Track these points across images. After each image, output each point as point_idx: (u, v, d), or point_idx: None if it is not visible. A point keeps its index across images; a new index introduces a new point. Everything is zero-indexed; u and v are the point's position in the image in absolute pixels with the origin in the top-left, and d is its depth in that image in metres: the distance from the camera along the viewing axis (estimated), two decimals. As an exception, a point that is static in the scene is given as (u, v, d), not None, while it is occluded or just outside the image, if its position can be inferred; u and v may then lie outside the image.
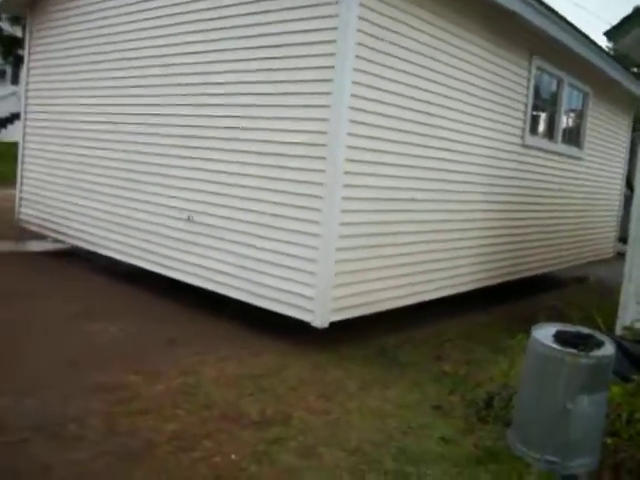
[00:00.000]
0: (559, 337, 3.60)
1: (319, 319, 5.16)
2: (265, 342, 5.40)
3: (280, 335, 5.50)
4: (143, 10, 6.98)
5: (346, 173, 5.16)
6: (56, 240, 8.68)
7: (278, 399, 4.25)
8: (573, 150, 9.42)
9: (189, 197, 6.38)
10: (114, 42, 7.39)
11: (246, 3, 5.76)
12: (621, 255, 5.77)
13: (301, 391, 4.44)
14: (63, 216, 8.26)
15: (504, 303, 7.67)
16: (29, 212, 9.03)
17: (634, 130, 12.26)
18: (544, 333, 3.67)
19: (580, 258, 10.27)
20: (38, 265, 8.09)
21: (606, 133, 10.64)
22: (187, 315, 6.07)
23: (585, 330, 3.78)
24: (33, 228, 8.93)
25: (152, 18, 6.84)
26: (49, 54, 8.66)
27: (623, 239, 6.18)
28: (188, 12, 6.37)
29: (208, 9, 6.14)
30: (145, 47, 6.94)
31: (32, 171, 9.03)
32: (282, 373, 4.74)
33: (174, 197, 6.56)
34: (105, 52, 7.54)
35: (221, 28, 6.01)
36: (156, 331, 5.52)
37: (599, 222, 10.98)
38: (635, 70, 10.69)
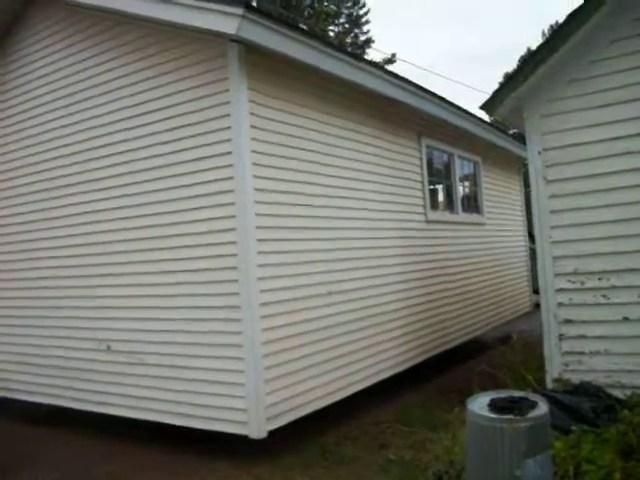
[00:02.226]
0: (494, 405, 3.62)
1: (255, 431, 4.98)
2: (202, 464, 5.13)
3: (218, 453, 5.26)
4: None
5: (260, 279, 5.12)
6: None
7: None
8: (474, 217, 9.83)
9: (107, 326, 6.16)
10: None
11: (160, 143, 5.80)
12: (538, 306, 5.92)
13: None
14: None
15: (435, 377, 7.68)
16: None
17: (526, 187, 12.96)
18: (479, 404, 3.68)
19: (501, 317, 10.52)
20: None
21: (502, 194, 11.22)
22: (116, 451, 5.70)
23: (517, 393, 3.81)
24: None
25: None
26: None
27: (536, 291, 6.44)
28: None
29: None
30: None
31: None
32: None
33: (92, 328, 6.32)
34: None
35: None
36: (81, 472, 5.15)
37: (512, 279, 11.36)
38: (513, 132, 11.43)
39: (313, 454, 5.24)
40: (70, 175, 6.48)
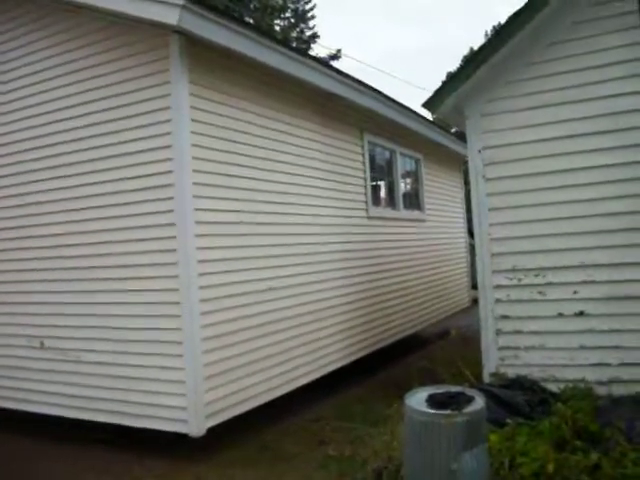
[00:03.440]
0: (431, 400, 3.66)
1: (195, 428, 4.91)
2: (141, 463, 5.02)
3: (157, 452, 5.16)
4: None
5: (200, 275, 5.05)
6: None
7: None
8: (415, 214, 9.95)
9: (40, 322, 5.98)
10: None
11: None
12: (477, 302, 6.02)
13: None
14: None
15: (375, 372, 7.74)
16: None
17: (466, 184, 13.21)
18: (417, 399, 3.72)
19: (441, 313, 10.70)
20: None
21: (443, 192, 11.40)
22: (49, 451, 5.51)
23: (454, 388, 3.88)
24: None
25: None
26: None
27: (475, 286, 6.57)
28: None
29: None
30: None
31: None
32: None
33: (23, 324, 6.12)
34: None
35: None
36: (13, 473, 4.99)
37: (452, 275, 11.56)
38: (455, 130, 11.61)
39: (253, 450, 5.20)
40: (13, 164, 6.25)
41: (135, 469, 4.93)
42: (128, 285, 5.34)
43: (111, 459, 5.19)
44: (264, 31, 5.74)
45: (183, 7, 4.60)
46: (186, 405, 4.94)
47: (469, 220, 12.24)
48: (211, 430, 5.01)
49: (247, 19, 32.00)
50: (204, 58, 5.23)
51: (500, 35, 5.59)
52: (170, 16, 4.66)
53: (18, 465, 5.23)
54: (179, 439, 5.07)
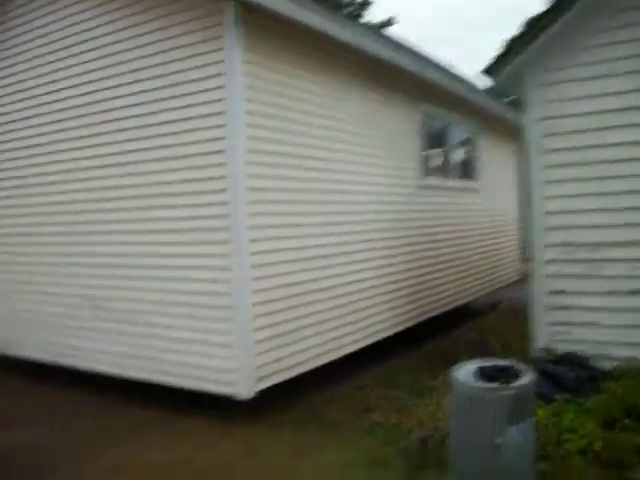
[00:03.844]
0: (479, 374, 3.66)
1: (245, 391, 5.03)
2: (192, 423, 5.19)
3: (208, 413, 5.31)
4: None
5: (252, 241, 5.12)
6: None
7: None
8: (467, 183, 9.81)
9: (94, 283, 6.17)
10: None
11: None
12: (527, 275, 5.93)
13: (235, 469, 4.27)
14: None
15: (423, 342, 7.73)
16: None
17: (520, 155, 12.92)
18: (464, 371, 3.72)
19: (491, 284, 10.58)
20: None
21: (496, 162, 11.17)
22: (105, 407, 5.74)
23: (503, 362, 3.86)
24: None
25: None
26: None
27: (526, 259, 6.46)
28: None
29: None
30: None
31: None
32: (213, 453, 4.55)
33: (79, 285, 6.32)
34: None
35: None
36: (71, 431, 5.22)
37: (503, 247, 11.40)
38: (509, 100, 11.34)
39: (300, 415, 5.29)
40: (65, 130, 6.40)
41: (185, 430, 5.08)
42: (181, 250, 5.45)
43: (160, 419, 5.36)
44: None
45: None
46: (237, 368, 5.05)
47: (522, 191, 12.02)
48: (260, 393, 5.12)
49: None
50: (258, 24, 5.21)
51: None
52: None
53: (82, 422, 5.46)
54: (228, 401, 5.18)
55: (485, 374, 3.63)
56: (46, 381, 6.63)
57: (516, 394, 3.48)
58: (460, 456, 3.67)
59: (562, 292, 5.52)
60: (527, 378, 3.59)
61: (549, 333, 5.57)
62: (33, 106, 6.74)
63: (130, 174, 5.80)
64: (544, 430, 4.13)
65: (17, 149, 6.98)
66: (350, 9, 35.60)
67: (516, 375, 3.61)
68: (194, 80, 5.25)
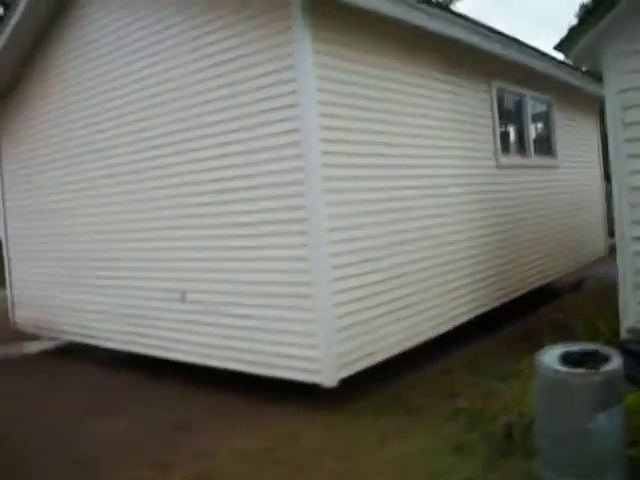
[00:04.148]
0: (565, 358, 3.59)
1: (328, 379, 5.11)
2: (275, 411, 5.32)
3: (290, 401, 5.42)
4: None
5: (331, 230, 5.17)
6: (52, 338, 8.63)
7: (298, 469, 4.17)
8: (547, 160, 9.52)
9: (181, 276, 6.38)
10: (91, 128, 7.43)
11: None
12: (614, 250, 5.73)
13: (320, 456, 4.37)
14: (57, 313, 8.24)
15: (506, 324, 7.60)
16: (23, 314, 8.98)
17: (602, 125, 12.40)
18: (550, 356, 3.66)
19: (576, 262, 10.27)
20: (37, 366, 8.00)
21: (576, 136, 10.79)
22: (190, 396, 5.97)
23: (589, 346, 3.77)
24: (30, 329, 8.87)
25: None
26: (25, 147, 8.68)
27: (612, 233, 6.22)
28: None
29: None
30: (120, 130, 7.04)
31: (21, 271, 9.03)
32: (297, 441, 4.66)
33: (167, 278, 6.56)
34: (83, 142, 7.59)
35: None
36: (163, 417, 5.46)
37: (587, 223, 11.02)
38: (587, 69, 10.88)
39: (384, 401, 5.33)
40: (150, 129, 6.64)
41: (268, 417, 5.21)
42: (262, 242, 5.55)
43: (244, 405, 5.52)
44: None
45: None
46: (319, 356, 5.13)
47: (605, 163, 11.56)
48: (342, 380, 5.18)
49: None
50: (325, 13, 5.20)
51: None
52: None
53: (165, 412, 5.71)
54: (311, 388, 5.28)
55: (571, 359, 3.56)
56: (132, 371, 6.97)
57: (604, 379, 3.40)
58: (547, 442, 3.61)
59: (651, 270, 5.31)
60: (615, 363, 3.50)
61: (637, 313, 5.36)
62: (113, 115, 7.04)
63: (214, 168, 5.94)
64: (635, 415, 4.00)
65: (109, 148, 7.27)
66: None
67: (604, 359, 3.52)
68: (266, 74, 5.31)
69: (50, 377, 7.32)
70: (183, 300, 6.32)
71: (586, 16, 5.63)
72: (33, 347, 8.96)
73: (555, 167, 9.73)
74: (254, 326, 5.64)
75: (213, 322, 6.04)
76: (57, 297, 8.25)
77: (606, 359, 3.53)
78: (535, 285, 8.74)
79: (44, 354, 8.64)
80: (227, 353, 5.90)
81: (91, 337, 7.73)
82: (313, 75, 5.07)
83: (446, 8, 7.34)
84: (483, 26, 7.04)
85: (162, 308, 6.61)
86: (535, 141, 9.24)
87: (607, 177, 11.74)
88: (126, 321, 7.12)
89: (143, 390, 6.32)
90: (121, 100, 6.89)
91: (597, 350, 3.64)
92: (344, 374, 5.21)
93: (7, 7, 7.85)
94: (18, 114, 8.60)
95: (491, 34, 7.15)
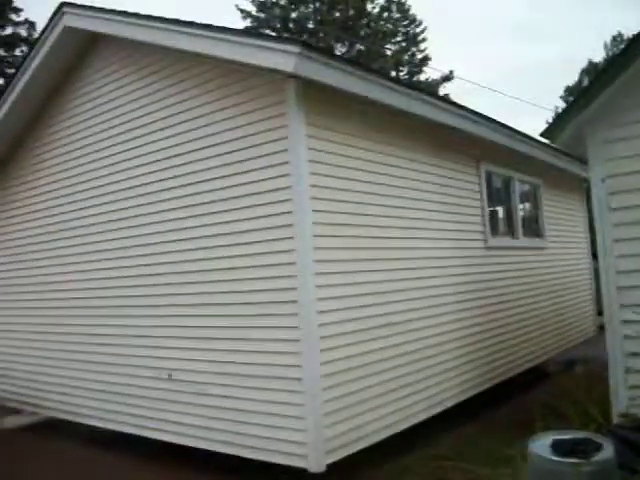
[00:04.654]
0: (556, 447, 3.55)
1: (314, 464, 4.97)
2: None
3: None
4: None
5: (320, 326, 5.15)
6: (33, 413, 8.42)
7: None
8: (535, 241, 9.64)
9: (168, 355, 6.29)
10: (77, 196, 7.50)
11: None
12: (603, 329, 5.73)
13: None
14: (38, 388, 8.08)
15: (495, 406, 7.50)
16: (4, 387, 8.79)
17: (589, 204, 12.59)
18: (541, 444, 3.62)
19: (565, 343, 10.24)
20: (12, 443, 7.75)
21: (563, 215, 10.96)
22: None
23: (581, 434, 3.73)
24: (11, 404, 8.65)
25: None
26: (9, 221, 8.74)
27: (600, 312, 6.25)
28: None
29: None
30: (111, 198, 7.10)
31: (1, 346, 8.91)
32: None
33: (152, 357, 6.47)
34: (64, 219, 7.65)
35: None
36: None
37: (575, 302, 11.05)
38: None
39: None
40: (135, 206, 6.71)
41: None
42: (251, 322, 5.53)
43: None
44: (378, 71, 5.77)
45: (299, 54, 4.77)
46: (306, 441, 5.01)
47: (592, 242, 11.68)
48: (330, 466, 5.05)
49: (357, 48, 32.51)
50: (318, 99, 5.36)
51: (630, 50, 5.22)
52: (287, 63, 4.82)
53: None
54: (293, 474, 5.14)
55: (563, 447, 3.51)
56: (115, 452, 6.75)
57: (597, 469, 3.35)
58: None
59: (640, 354, 5.30)
60: (607, 451, 3.46)
61: (628, 397, 5.32)
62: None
63: (201, 248, 5.98)
64: (629, 505, 3.92)
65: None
66: (409, 66, 36.30)
67: (596, 449, 3.48)
68: (260, 156, 5.42)
69: (23, 458, 7.02)
70: (169, 379, 6.20)
71: (569, 106, 5.82)
72: (9, 422, 8.71)
73: (543, 248, 9.84)
74: (241, 408, 5.52)
75: (199, 402, 5.93)
76: (37, 372, 8.12)
77: (598, 448, 3.49)
78: (525, 367, 8.68)
79: (22, 430, 8.39)
80: (211, 435, 5.76)
81: (70, 413, 7.56)
82: (306, 159, 5.18)
83: (435, 94, 7.58)
84: (472, 112, 7.26)
85: (145, 386, 6.51)
86: (523, 222, 9.38)
87: (594, 255, 11.88)
88: (104, 398, 6.99)
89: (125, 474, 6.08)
90: (109, 186, 7.03)
91: (588, 438, 3.60)
92: (332, 459, 5.08)
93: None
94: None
95: (480, 119, 7.37)
